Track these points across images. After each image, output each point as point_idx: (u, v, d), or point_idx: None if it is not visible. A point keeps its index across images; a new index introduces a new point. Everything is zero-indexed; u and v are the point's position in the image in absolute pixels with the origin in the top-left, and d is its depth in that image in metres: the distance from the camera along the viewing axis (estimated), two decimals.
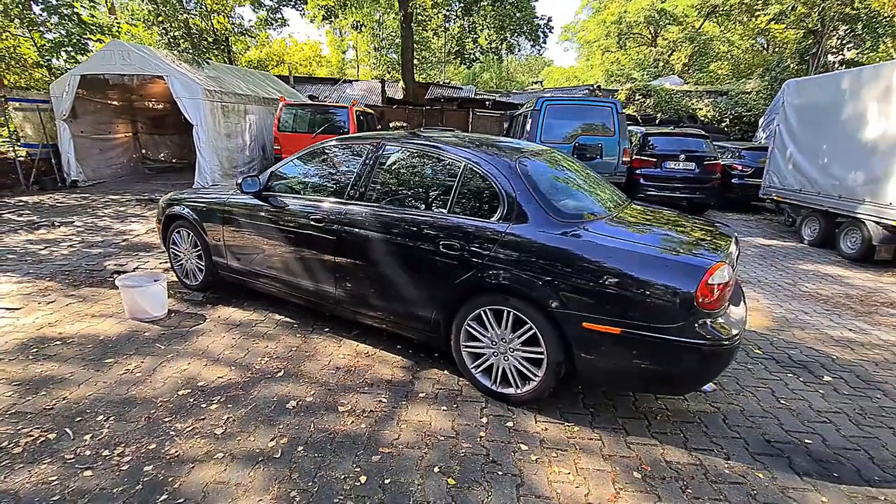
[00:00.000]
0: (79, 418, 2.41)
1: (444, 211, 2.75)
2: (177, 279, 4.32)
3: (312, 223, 3.19)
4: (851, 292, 5.03)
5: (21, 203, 8.02)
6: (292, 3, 15.47)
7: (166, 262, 4.96)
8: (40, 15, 9.66)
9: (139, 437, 2.29)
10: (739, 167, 10.21)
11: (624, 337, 2.26)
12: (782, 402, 2.84)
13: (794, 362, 3.35)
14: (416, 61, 17.21)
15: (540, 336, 2.47)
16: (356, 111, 10.19)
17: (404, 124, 16.25)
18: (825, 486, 2.16)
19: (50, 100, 9.41)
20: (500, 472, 2.14)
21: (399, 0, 15.54)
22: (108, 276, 4.53)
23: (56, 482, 1.98)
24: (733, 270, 2.40)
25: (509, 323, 2.57)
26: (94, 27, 9.85)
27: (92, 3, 9.81)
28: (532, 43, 15.48)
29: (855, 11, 15.40)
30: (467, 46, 15.27)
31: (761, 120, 13.76)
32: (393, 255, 2.87)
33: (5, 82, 9.60)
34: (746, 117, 15.17)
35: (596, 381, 2.60)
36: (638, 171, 9.22)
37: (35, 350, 3.06)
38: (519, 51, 17.25)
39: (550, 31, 15.04)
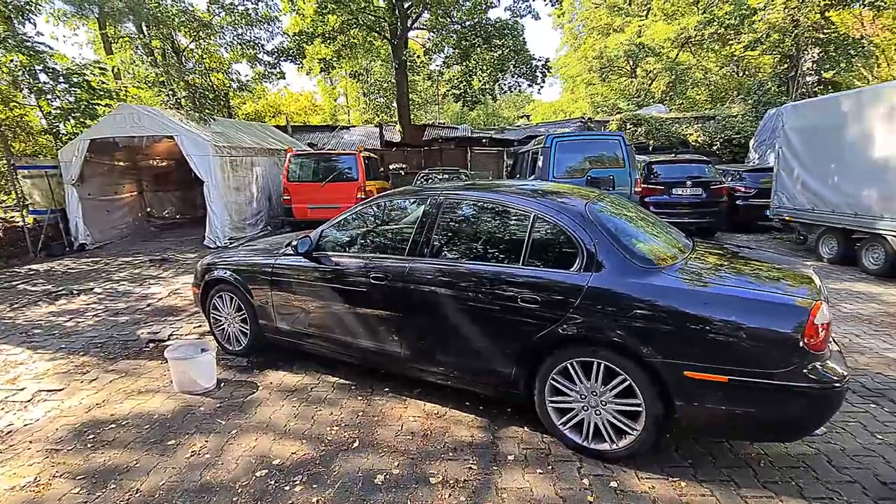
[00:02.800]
0: None
1: (519, 263, 2.72)
2: (217, 345, 4.18)
3: (373, 281, 3.13)
4: (891, 310, 5.03)
5: (32, 271, 7.87)
6: (291, 58, 16.00)
7: (200, 327, 4.84)
8: (47, 83, 9.80)
9: None
10: (742, 189, 10.44)
11: (732, 385, 2.19)
12: (878, 436, 2.76)
13: (871, 391, 3.29)
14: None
15: (636, 387, 2.39)
16: (363, 156, 10.34)
17: (404, 165, 16.51)
18: None
19: (58, 165, 9.44)
20: None
21: (393, 50, 16.18)
22: (144, 346, 4.38)
23: None
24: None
25: (600, 375, 2.49)
26: (102, 92, 10.01)
27: (101, 70, 10.02)
28: (530, 83, 16.09)
29: (825, 35, 16.28)
30: (466, 90, 15.81)
31: (751, 142, 14.21)
32: (466, 311, 2.81)
33: (13, 151, 9.61)
34: (736, 140, 15.66)
35: (700, 431, 2.51)
36: (647, 200, 9.36)
37: (91, 436, 2.89)
38: (520, 91, 17.86)
39: (549, 71, 15.67)
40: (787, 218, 8.27)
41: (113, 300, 5.94)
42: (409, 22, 16.78)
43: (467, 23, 14.97)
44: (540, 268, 2.66)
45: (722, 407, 2.25)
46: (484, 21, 14.81)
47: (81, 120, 9.34)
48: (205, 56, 15.37)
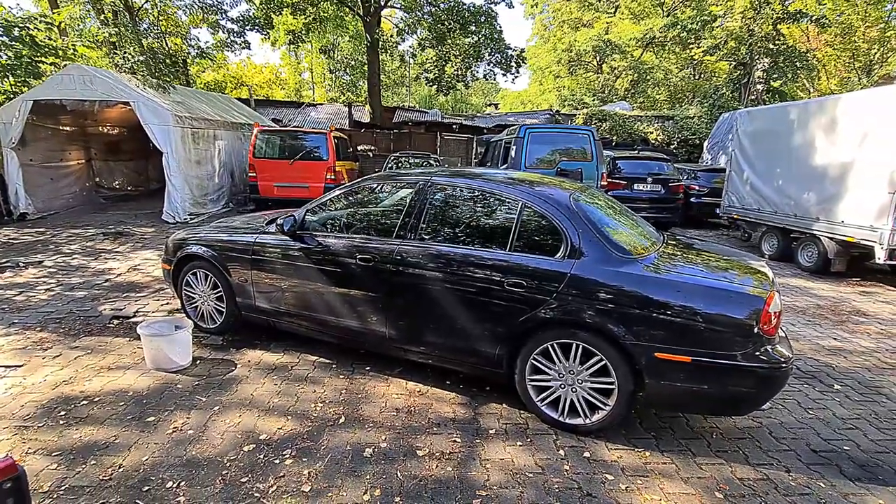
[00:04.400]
0: (146, 487, 2.24)
1: (506, 249, 2.84)
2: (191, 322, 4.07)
3: (360, 262, 3.17)
4: (821, 303, 5.60)
5: None
6: (258, 27, 15.23)
7: (167, 304, 4.70)
8: None
9: (222, 502, 2.16)
10: (696, 187, 11.10)
11: (695, 364, 2.43)
12: (810, 412, 3.13)
13: (804, 373, 3.70)
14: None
15: (610, 367, 2.60)
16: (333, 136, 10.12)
17: (372, 147, 16.27)
18: (876, 489, 2.41)
19: None
20: None
21: (365, 27, 15.75)
22: (108, 323, 4.21)
23: None
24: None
25: (578, 355, 2.68)
26: (47, 49, 9.17)
27: (48, 26, 9.14)
28: (504, 72, 16.19)
29: (775, 46, 17.37)
30: (441, 75, 15.71)
31: (706, 143, 15.04)
32: (453, 294, 2.91)
33: None
34: (691, 140, 16.51)
35: (665, 406, 2.76)
36: (610, 193, 9.77)
37: (63, 413, 2.80)
38: (494, 79, 17.96)
39: (524, 62, 15.81)
40: (735, 216, 8.90)
41: (66, 274, 5.61)
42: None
43: (442, 5, 14.81)
44: (526, 254, 2.80)
45: (685, 384, 2.49)
46: (460, 5, 14.70)
47: (23, 78, 8.54)
48: (161, 17, 14.35)
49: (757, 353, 2.40)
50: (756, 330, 2.39)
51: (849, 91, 14.77)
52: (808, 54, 18.65)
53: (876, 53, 20.35)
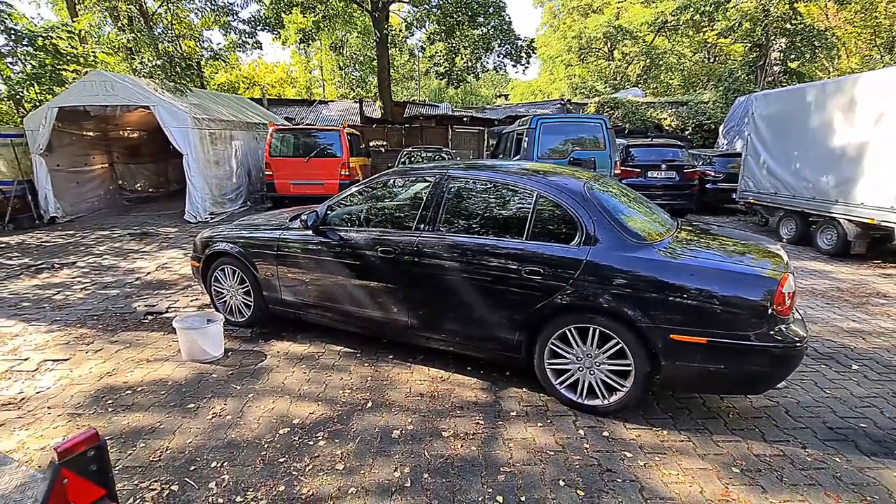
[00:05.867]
0: (192, 467, 2.41)
1: (523, 238, 2.94)
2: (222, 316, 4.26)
3: (381, 254, 3.29)
4: (841, 286, 5.56)
5: (3, 244, 7.58)
6: (268, 27, 15.43)
7: (196, 300, 4.90)
8: (6, 45, 9.22)
9: (263, 479, 2.32)
10: (712, 173, 10.97)
11: (711, 345, 2.51)
12: (827, 391, 3.17)
13: (822, 354, 3.73)
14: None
15: (627, 350, 2.68)
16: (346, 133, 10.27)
17: (384, 143, 16.39)
18: (892, 463, 2.46)
19: (23, 133, 9.00)
20: (619, 480, 2.32)
21: (374, 23, 15.82)
22: (143, 319, 4.42)
23: None
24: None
25: (595, 339, 2.77)
26: (70, 57, 9.47)
27: (69, 34, 9.41)
28: (514, 63, 16.13)
29: (792, 26, 16.94)
30: (451, 68, 15.72)
31: (721, 128, 14.80)
32: (472, 283, 3.02)
33: None
34: (706, 125, 16.26)
35: (681, 386, 2.84)
36: (624, 181, 9.73)
37: (110, 401, 2.99)
38: (504, 70, 17.91)
39: (534, 52, 15.73)
40: (752, 201, 8.81)
41: (99, 274, 5.87)
42: None
43: None
44: (542, 242, 2.88)
45: (701, 365, 2.56)
46: None
47: (49, 86, 8.84)
48: (174, 22, 14.63)
49: (771, 333, 2.46)
50: (770, 311, 2.45)
51: (870, 70, 14.38)
52: (827, 33, 18.14)
53: None
